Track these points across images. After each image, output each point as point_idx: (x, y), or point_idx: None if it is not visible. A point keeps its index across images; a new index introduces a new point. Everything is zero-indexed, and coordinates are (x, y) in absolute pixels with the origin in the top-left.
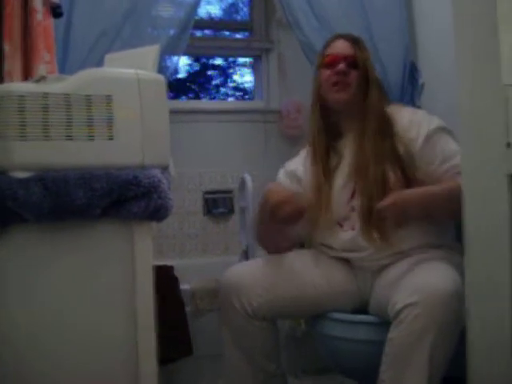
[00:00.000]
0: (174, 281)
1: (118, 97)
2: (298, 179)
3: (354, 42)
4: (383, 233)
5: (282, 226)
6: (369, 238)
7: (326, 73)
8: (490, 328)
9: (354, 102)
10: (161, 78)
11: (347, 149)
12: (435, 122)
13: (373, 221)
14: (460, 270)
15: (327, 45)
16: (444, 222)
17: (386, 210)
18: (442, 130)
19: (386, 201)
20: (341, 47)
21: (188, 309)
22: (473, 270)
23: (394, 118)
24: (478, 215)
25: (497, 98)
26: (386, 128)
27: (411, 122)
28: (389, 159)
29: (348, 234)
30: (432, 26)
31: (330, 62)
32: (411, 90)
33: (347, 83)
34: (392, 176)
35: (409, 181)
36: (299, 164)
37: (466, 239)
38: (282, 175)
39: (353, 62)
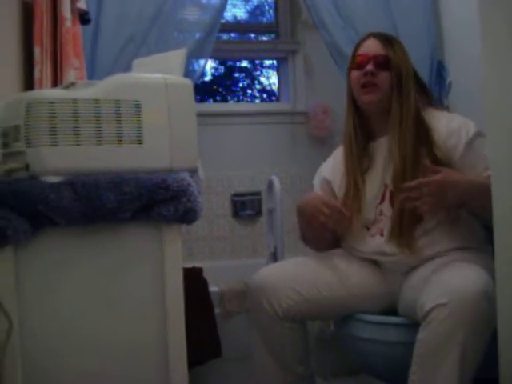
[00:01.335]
0: (203, 283)
1: (146, 102)
2: (329, 187)
3: (387, 40)
4: (411, 241)
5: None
6: (397, 245)
7: (355, 74)
8: None
9: (384, 103)
10: (188, 82)
11: (379, 152)
12: (473, 127)
13: (403, 229)
14: (490, 271)
15: (358, 45)
16: (469, 223)
17: (430, 185)
18: (480, 135)
19: (435, 177)
20: (371, 47)
21: (217, 311)
22: (503, 271)
23: (431, 124)
24: (509, 215)
25: None
26: (423, 135)
27: (450, 130)
28: (420, 171)
29: (376, 240)
30: (459, 24)
31: (359, 63)
32: (438, 88)
33: (375, 84)
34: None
35: None
36: (330, 167)
37: (496, 240)
38: (316, 182)
39: (383, 62)
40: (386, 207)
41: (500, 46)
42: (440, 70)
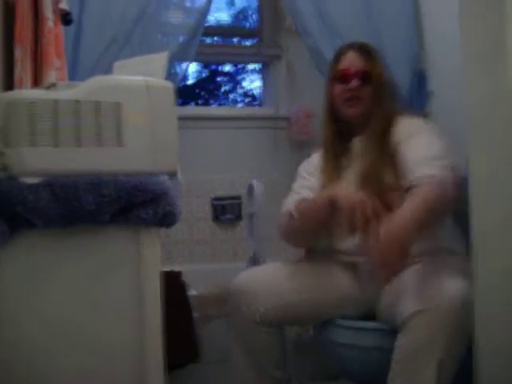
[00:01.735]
0: (182, 286)
1: (127, 104)
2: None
3: (366, 53)
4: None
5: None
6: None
7: (339, 88)
8: (498, 336)
9: (366, 112)
10: (169, 85)
11: (357, 151)
12: (424, 126)
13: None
14: (467, 275)
15: (338, 57)
16: (445, 225)
17: (389, 252)
18: (416, 134)
19: (382, 243)
20: (352, 61)
21: (196, 314)
22: (481, 277)
23: (397, 127)
24: (486, 222)
25: (506, 104)
26: (386, 135)
27: (404, 126)
28: (388, 163)
29: (354, 238)
30: (440, 34)
31: (343, 77)
32: (420, 97)
33: (360, 98)
34: (391, 181)
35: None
36: (311, 167)
37: (474, 246)
38: (298, 184)
39: (365, 77)
40: None
41: (481, 56)
42: (421, 79)
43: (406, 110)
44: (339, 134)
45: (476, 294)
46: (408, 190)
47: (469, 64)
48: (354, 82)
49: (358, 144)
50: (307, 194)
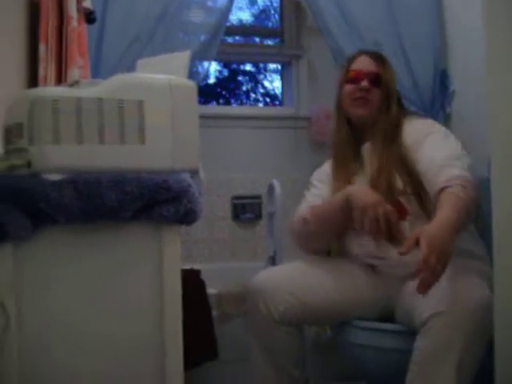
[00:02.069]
0: (201, 284)
1: (149, 102)
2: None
3: (378, 59)
4: (398, 237)
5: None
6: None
7: (349, 88)
8: None
9: (373, 116)
10: (192, 83)
11: (367, 157)
12: (434, 128)
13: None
14: (489, 279)
15: (351, 60)
16: (469, 229)
17: (430, 262)
18: (437, 132)
19: (423, 253)
20: (364, 63)
21: (215, 313)
22: (502, 282)
23: (405, 128)
24: (508, 227)
25: None
26: (394, 137)
27: (413, 129)
28: (397, 167)
29: (369, 243)
30: (463, 33)
31: (354, 78)
32: (442, 97)
33: (368, 100)
34: (400, 184)
35: (419, 186)
36: (323, 175)
37: (495, 251)
38: (315, 178)
39: (376, 80)
40: None
41: (504, 55)
42: (443, 78)
43: (424, 111)
44: (349, 139)
45: (496, 296)
46: (439, 192)
47: (491, 62)
48: (365, 83)
49: (367, 150)
50: (318, 202)
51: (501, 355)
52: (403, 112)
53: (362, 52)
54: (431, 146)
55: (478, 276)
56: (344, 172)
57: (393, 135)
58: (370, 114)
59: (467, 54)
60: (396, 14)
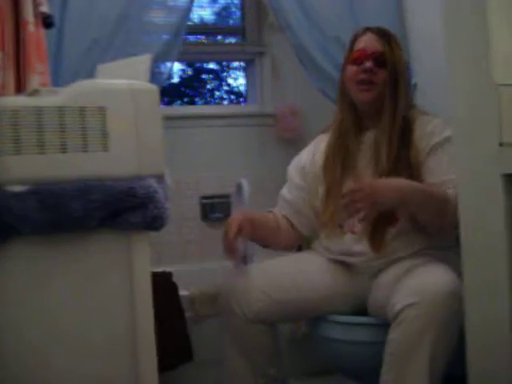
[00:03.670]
0: (173, 287)
1: (111, 108)
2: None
3: (384, 36)
4: (383, 243)
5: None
6: (370, 245)
7: (352, 69)
8: (489, 327)
9: (379, 101)
10: (154, 87)
11: (364, 147)
12: (445, 133)
13: (377, 231)
14: (458, 270)
15: (355, 38)
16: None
17: (354, 195)
18: (448, 142)
19: (354, 186)
20: (368, 42)
21: (188, 315)
22: (470, 270)
23: (412, 125)
24: (474, 215)
25: (489, 98)
26: (404, 137)
27: (424, 132)
28: (403, 169)
29: (346, 238)
30: (423, 27)
31: (357, 59)
32: None
33: (373, 82)
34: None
35: None
36: (311, 158)
37: (463, 240)
38: (293, 167)
39: (381, 60)
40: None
41: (464, 48)
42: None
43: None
44: (353, 127)
45: (465, 287)
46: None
47: (451, 56)
48: (368, 64)
49: (369, 138)
50: (294, 197)
51: (472, 344)
52: (411, 102)
53: (367, 29)
54: (437, 165)
55: (448, 266)
56: (343, 156)
57: (403, 132)
58: (375, 99)
59: (428, 47)
60: (356, 10)
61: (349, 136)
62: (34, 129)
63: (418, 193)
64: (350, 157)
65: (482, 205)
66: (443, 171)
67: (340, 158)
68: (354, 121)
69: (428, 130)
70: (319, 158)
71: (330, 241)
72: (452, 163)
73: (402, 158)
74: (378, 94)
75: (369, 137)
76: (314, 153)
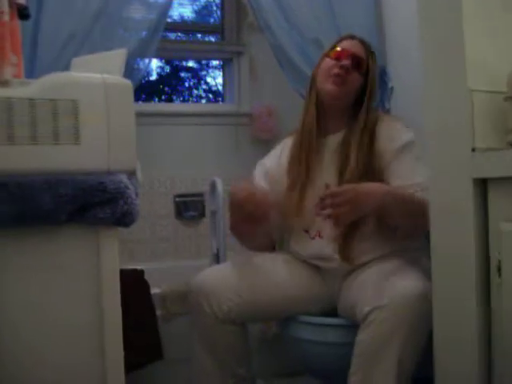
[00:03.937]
0: (144, 285)
1: (83, 101)
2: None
3: (368, 47)
4: (349, 251)
5: (252, 224)
6: (337, 252)
7: (329, 62)
8: (456, 329)
9: (344, 101)
10: (127, 82)
11: (326, 150)
12: (406, 136)
13: (344, 238)
14: (428, 272)
15: (340, 40)
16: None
17: (335, 198)
18: (411, 145)
19: (337, 189)
20: (352, 46)
21: (159, 313)
22: (440, 273)
23: (376, 130)
24: (444, 219)
25: (462, 103)
26: (368, 143)
27: (386, 136)
28: (370, 172)
29: (315, 243)
30: (401, 30)
31: (338, 55)
32: (381, 93)
33: (345, 81)
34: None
35: None
36: (276, 160)
37: (433, 243)
38: (259, 173)
39: (359, 64)
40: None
41: (440, 52)
42: (382, 75)
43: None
44: (316, 125)
45: (434, 289)
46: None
47: (427, 63)
48: (347, 62)
49: (333, 143)
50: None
51: (439, 345)
52: (374, 109)
53: (354, 36)
54: (402, 168)
55: (417, 268)
56: (307, 165)
57: (367, 140)
58: (342, 97)
59: (405, 51)
60: (335, 12)
61: (312, 136)
62: (4, 120)
63: (396, 197)
64: (313, 155)
65: (453, 209)
66: (409, 174)
67: (304, 156)
68: (317, 122)
69: (390, 134)
70: (285, 161)
71: (298, 245)
72: (418, 166)
73: (369, 160)
74: (345, 93)
75: (333, 141)
76: (279, 156)
